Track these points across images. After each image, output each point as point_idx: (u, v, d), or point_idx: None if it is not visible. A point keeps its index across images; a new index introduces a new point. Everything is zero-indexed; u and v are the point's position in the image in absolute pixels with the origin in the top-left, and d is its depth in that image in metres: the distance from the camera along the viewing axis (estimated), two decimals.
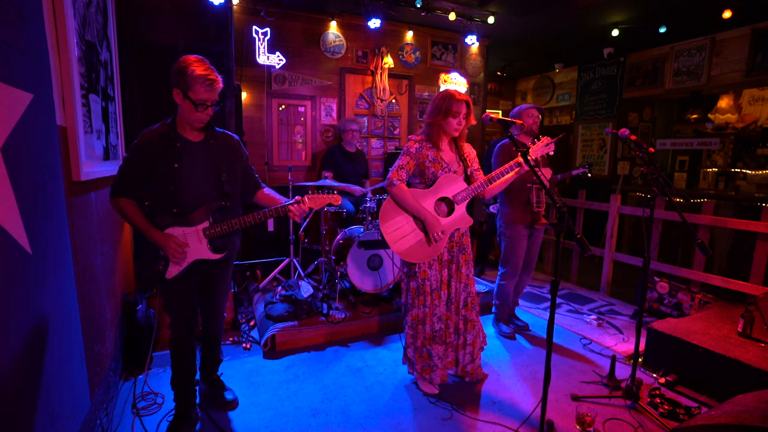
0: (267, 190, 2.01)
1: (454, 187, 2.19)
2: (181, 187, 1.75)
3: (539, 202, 2.82)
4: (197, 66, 1.67)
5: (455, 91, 2.16)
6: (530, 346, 2.95)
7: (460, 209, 2.20)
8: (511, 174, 2.17)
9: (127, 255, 2.98)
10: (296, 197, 1.83)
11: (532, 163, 1.91)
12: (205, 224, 1.79)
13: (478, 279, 4.18)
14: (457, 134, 2.21)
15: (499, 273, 3.04)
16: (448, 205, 2.22)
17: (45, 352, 1.32)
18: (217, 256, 1.83)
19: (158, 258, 1.77)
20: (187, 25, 3.31)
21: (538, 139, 2.19)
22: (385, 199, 3.49)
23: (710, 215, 3.37)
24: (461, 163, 2.25)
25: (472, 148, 2.35)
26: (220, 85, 1.72)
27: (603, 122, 6.15)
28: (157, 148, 1.73)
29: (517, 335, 3.09)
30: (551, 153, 2.22)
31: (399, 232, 2.17)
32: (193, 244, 1.79)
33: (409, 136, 2.24)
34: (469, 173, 2.24)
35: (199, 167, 1.80)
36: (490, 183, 2.18)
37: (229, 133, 1.95)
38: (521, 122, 2.04)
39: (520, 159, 2.11)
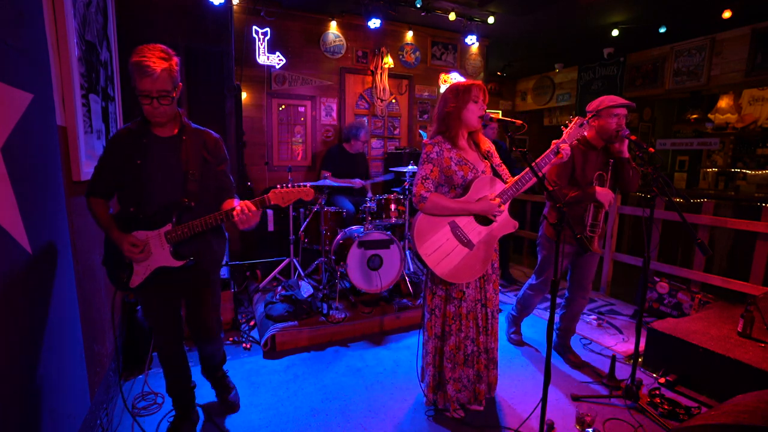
0: (236, 203, 1.70)
1: (493, 189, 1.97)
2: (142, 185, 1.61)
3: (595, 226, 2.35)
4: (135, 54, 1.49)
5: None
6: (529, 346, 2.96)
7: (503, 212, 2.00)
8: (547, 166, 1.94)
9: None
10: (241, 203, 1.62)
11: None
12: (168, 227, 1.61)
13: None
14: (476, 126, 1.98)
15: (529, 282, 2.73)
16: None
17: (45, 352, 1.32)
18: (179, 263, 1.64)
19: (122, 266, 1.64)
20: (187, 25, 3.31)
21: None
22: (385, 198, 3.55)
23: (710, 215, 3.37)
24: (485, 160, 2.04)
25: (488, 140, 2.15)
26: (158, 71, 1.48)
27: None
28: (125, 145, 1.62)
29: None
30: (585, 134, 2.04)
31: (440, 252, 1.92)
32: (155, 249, 1.62)
33: (424, 141, 2.00)
34: (493, 167, 2.05)
35: (164, 164, 1.63)
36: (532, 177, 1.87)
37: (209, 131, 1.78)
38: (521, 122, 1.93)
39: (564, 146, 1.90)
